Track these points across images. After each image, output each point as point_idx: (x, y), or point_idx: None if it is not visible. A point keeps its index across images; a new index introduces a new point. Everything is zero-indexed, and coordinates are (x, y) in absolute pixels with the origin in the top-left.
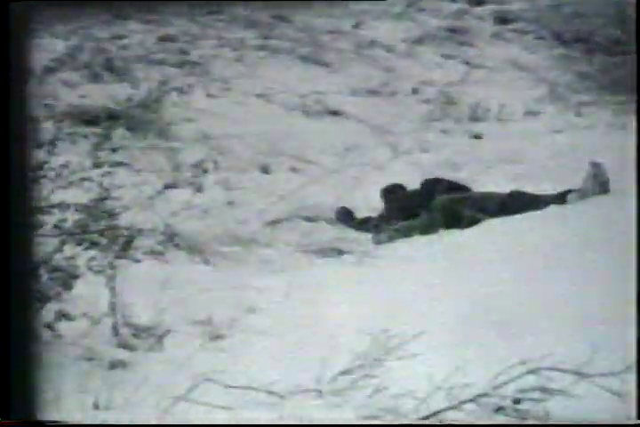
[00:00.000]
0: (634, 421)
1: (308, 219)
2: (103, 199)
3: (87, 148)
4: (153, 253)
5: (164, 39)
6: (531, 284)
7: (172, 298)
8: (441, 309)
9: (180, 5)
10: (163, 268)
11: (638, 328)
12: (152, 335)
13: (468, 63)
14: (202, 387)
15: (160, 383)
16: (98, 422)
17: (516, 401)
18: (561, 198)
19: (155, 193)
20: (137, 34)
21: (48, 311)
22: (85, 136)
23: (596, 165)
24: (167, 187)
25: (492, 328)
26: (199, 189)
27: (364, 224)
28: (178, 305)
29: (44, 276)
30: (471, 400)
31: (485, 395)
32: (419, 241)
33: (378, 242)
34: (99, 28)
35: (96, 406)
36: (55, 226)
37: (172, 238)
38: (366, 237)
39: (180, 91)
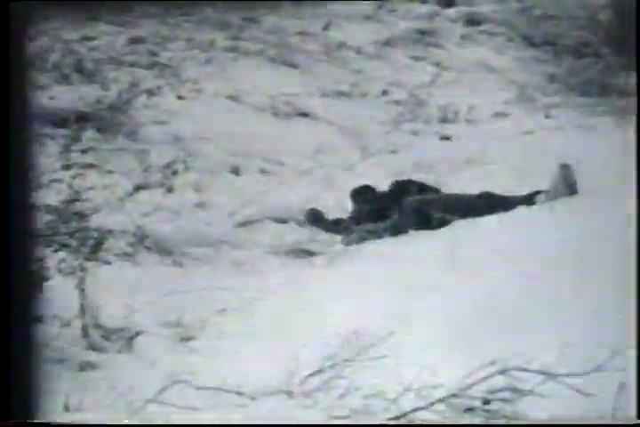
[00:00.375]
0: (634, 421)
1: (279, 220)
2: (73, 201)
3: (57, 149)
4: (123, 254)
5: (133, 41)
6: (504, 284)
7: (143, 300)
8: (411, 310)
9: (150, 7)
10: (133, 269)
11: (638, 328)
12: (122, 337)
13: (437, 65)
14: (172, 388)
15: (130, 385)
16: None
17: (486, 402)
18: (529, 200)
19: (125, 195)
20: (107, 35)
21: None
22: (55, 138)
23: (564, 167)
24: (137, 188)
25: (462, 329)
26: (169, 191)
27: (334, 225)
28: (148, 307)
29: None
30: (441, 401)
31: (455, 396)
32: (389, 242)
33: (348, 243)
34: (68, 29)
35: (66, 408)
36: None
37: (142, 240)
38: (336, 238)
39: (150, 92)
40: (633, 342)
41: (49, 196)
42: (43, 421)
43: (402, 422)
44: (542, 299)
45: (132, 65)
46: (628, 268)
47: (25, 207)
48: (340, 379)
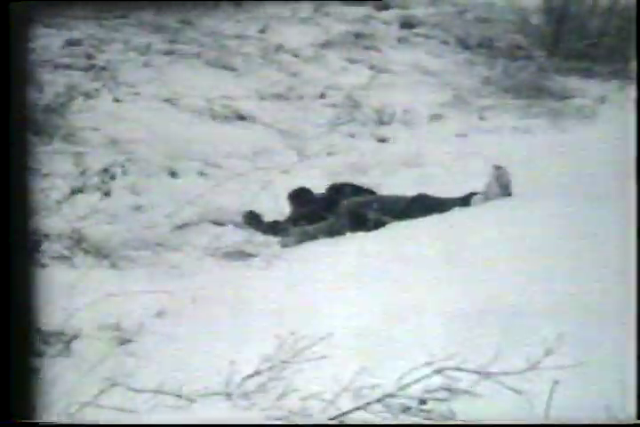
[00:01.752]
0: (634, 421)
1: (217, 223)
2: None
3: None
4: (60, 257)
5: (70, 43)
6: (436, 285)
7: (80, 303)
8: (348, 310)
9: (86, 9)
10: (70, 272)
11: (638, 327)
12: (60, 341)
13: (373, 67)
14: (110, 391)
15: (68, 389)
16: None
17: (422, 401)
18: (464, 201)
19: (62, 198)
20: (42, 38)
21: None
22: None
23: (498, 169)
24: (74, 192)
25: (399, 330)
26: (107, 194)
27: (271, 227)
28: (86, 310)
29: None
30: (378, 401)
31: (392, 396)
32: (326, 244)
33: (285, 245)
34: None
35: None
36: None
37: (79, 243)
38: (274, 240)
39: (87, 95)
40: (632, 342)
41: None
42: (43, 421)
43: (339, 422)
44: (473, 298)
45: (69, 68)
46: (565, 265)
47: (25, 209)
48: (277, 380)
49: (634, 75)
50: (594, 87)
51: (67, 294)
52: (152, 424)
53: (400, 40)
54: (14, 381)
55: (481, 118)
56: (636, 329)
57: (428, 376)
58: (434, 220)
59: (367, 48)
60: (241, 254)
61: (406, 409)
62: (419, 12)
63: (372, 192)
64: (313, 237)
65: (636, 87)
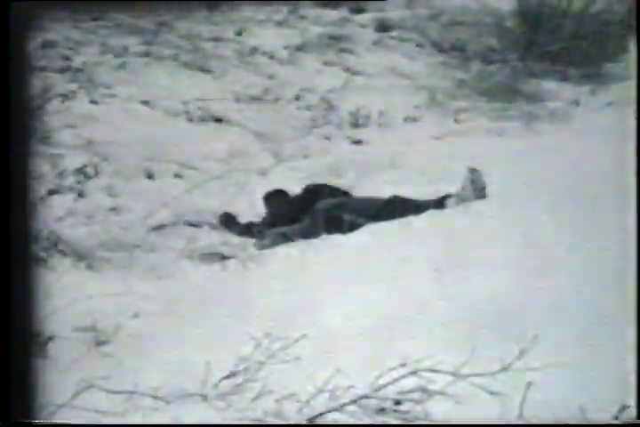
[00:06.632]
0: (634, 421)
1: (193, 224)
2: None
3: None
4: (37, 259)
5: (45, 45)
6: (411, 289)
7: (57, 304)
8: (322, 312)
9: (62, 11)
10: (47, 274)
11: (638, 327)
12: (36, 342)
13: (348, 70)
14: (86, 393)
15: (44, 390)
16: None
17: (397, 402)
18: (439, 203)
19: (38, 199)
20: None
21: None
22: None
23: (473, 171)
24: (50, 193)
25: (373, 332)
26: (83, 195)
27: (247, 229)
28: (62, 311)
29: None
30: (353, 402)
31: (367, 397)
32: (301, 246)
33: (260, 247)
34: None
35: None
36: None
37: (55, 244)
38: (250, 241)
39: (63, 97)
40: (632, 342)
41: None
42: (43, 421)
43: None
44: (450, 301)
45: (44, 69)
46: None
47: (25, 208)
48: (253, 382)
49: (607, 78)
50: (567, 90)
51: (43, 295)
52: (142, 424)
53: (375, 43)
54: (15, 380)
55: (455, 121)
56: (637, 330)
57: (402, 377)
58: (409, 222)
59: (342, 51)
60: (217, 256)
61: (381, 410)
62: (394, 15)
63: (347, 194)
64: (288, 238)
65: (636, 87)
